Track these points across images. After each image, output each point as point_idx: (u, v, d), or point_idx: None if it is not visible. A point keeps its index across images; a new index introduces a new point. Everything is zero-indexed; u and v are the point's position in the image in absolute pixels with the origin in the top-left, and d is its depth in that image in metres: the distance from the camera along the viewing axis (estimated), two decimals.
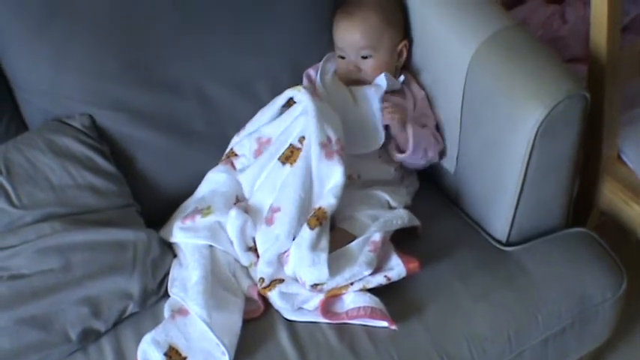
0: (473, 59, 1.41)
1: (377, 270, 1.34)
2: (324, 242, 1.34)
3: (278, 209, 1.40)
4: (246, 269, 1.42)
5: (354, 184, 1.47)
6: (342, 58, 1.58)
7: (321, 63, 1.62)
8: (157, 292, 1.41)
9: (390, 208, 1.46)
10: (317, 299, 1.34)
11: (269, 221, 1.40)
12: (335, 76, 1.60)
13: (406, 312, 1.34)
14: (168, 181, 1.57)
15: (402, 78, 1.58)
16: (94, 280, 1.37)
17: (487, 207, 1.49)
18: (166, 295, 1.40)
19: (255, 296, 1.37)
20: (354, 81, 1.58)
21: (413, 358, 1.31)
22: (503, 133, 1.38)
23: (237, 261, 1.43)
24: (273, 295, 1.35)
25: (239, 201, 1.49)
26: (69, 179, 1.45)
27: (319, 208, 1.37)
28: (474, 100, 1.43)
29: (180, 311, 1.35)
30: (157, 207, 1.54)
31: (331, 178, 1.40)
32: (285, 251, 1.37)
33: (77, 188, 1.44)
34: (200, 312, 1.30)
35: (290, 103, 1.51)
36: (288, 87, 1.58)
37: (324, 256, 1.32)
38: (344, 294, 1.34)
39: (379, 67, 1.57)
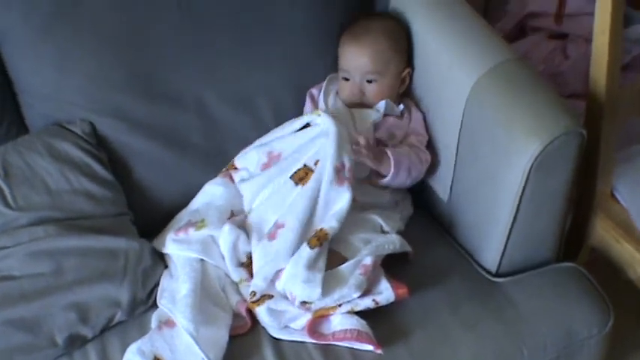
0: (472, 90, 1.42)
1: (366, 293, 1.34)
2: (322, 263, 1.35)
3: (282, 225, 1.41)
4: (236, 285, 1.43)
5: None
6: (346, 80, 1.59)
7: (325, 83, 1.63)
8: (145, 302, 1.41)
9: (383, 232, 1.47)
10: (304, 319, 1.34)
11: (271, 236, 1.40)
12: (337, 98, 1.61)
13: (393, 337, 1.34)
14: (164, 192, 1.58)
15: (401, 107, 1.59)
16: (84, 286, 1.37)
17: (479, 237, 1.50)
18: (155, 306, 1.40)
19: (243, 312, 1.37)
20: (356, 104, 1.59)
21: None
22: (498, 164, 1.38)
23: (227, 276, 1.44)
24: (261, 311, 1.35)
25: (234, 215, 1.50)
26: (66, 184, 1.45)
27: (321, 230, 1.39)
28: (471, 131, 1.44)
29: (168, 323, 1.35)
30: (151, 217, 1.55)
31: (337, 202, 1.42)
32: (282, 269, 1.37)
33: (73, 193, 1.45)
34: (187, 325, 1.30)
35: (305, 125, 1.53)
36: (289, 105, 1.62)
37: (319, 277, 1.32)
38: (331, 315, 1.34)
39: (383, 92, 1.58)
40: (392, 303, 1.35)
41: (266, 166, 1.52)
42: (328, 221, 1.40)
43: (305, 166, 1.46)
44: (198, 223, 1.47)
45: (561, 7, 2.07)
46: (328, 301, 1.32)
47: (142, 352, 1.30)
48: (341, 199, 1.41)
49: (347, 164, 1.43)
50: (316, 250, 1.35)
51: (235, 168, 1.56)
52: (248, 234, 1.44)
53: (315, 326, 1.34)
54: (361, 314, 1.33)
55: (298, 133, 1.52)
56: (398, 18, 1.63)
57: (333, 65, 1.64)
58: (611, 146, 1.56)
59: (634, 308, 1.68)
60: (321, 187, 1.42)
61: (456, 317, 1.38)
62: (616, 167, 1.61)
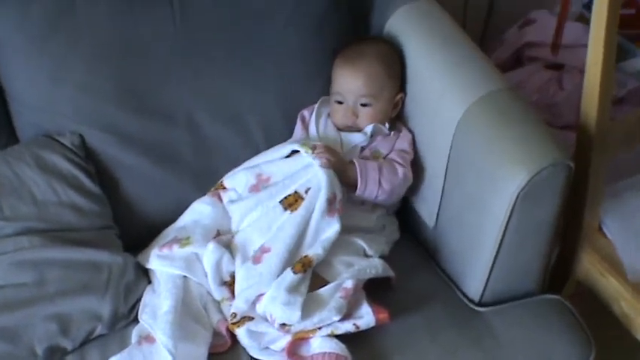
0: (462, 118, 1.42)
1: (346, 317, 1.34)
2: (303, 288, 1.35)
3: (268, 250, 1.41)
4: (217, 303, 1.42)
5: None
6: (340, 103, 1.60)
7: (316, 105, 1.63)
8: (127, 317, 1.41)
9: (366, 256, 1.47)
10: (284, 340, 1.34)
11: (256, 260, 1.41)
12: (329, 121, 1.62)
13: None
14: (150, 207, 1.58)
15: (387, 125, 1.59)
16: (66, 298, 1.37)
17: (463, 265, 1.49)
18: (136, 320, 1.40)
19: (224, 331, 1.37)
20: (348, 127, 1.60)
21: None
22: (484, 193, 1.38)
23: (209, 294, 1.44)
24: (241, 333, 1.35)
25: (220, 235, 1.50)
26: (52, 195, 1.46)
27: (306, 256, 1.39)
28: (459, 158, 1.44)
29: (148, 338, 1.35)
30: (136, 232, 1.55)
31: (326, 231, 1.42)
32: (264, 293, 1.37)
33: (60, 205, 1.45)
34: (166, 342, 1.30)
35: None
36: (280, 125, 1.63)
37: (299, 300, 1.32)
38: (311, 337, 1.33)
39: (376, 116, 1.58)
40: (372, 327, 1.34)
41: (254, 189, 1.52)
42: (314, 248, 1.41)
43: (296, 192, 1.47)
44: (183, 241, 1.47)
45: (558, 37, 2.08)
46: (308, 324, 1.32)
47: None
48: (330, 228, 1.43)
49: (338, 196, 1.44)
50: (299, 275, 1.36)
51: (224, 188, 1.57)
52: (233, 254, 1.44)
53: (294, 348, 1.34)
54: (341, 337, 1.33)
55: (288, 159, 1.52)
56: (392, 43, 1.64)
57: (325, 87, 1.64)
58: (600, 179, 1.56)
59: (619, 342, 1.67)
60: (312, 216, 1.43)
61: (435, 344, 1.37)
62: (604, 201, 1.61)
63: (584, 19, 2.16)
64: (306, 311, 1.32)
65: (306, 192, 1.46)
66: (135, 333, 1.38)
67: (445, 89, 1.49)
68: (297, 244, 1.41)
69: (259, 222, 1.47)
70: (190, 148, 1.59)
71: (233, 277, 1.43)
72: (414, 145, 1.58)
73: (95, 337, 1.39)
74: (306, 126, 1.62)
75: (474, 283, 1.47)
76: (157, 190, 1.58)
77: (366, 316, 1.34)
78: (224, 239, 1.48)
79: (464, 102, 1.43)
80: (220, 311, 1.41)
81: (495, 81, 1.47)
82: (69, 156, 1.50)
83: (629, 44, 2.15)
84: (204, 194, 1.57)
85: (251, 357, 1.36)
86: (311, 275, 1.39)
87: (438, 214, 1.53)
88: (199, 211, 1.54)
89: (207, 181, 1.58)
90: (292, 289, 1.33)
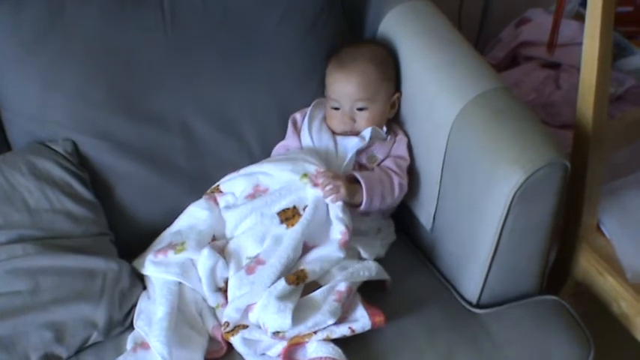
0: (457, 118, 1.41)
1: (342, 320, 1.33)
2: (295, 297, 1.34)
3: (263, 262, 1.40)
4: (213, 309, 1.42)
5: None
6: (336, 109, 1.59)
7: (310, 108, 1.62)
8: (122, 323, 1.41)
9: (360, 259, 1.46)
10: (280, 346, 1.33)
11: (249, 270, 1.40)
12: (323, 124, 1.61)
13: None
14: (145, 214, 1.57)
15: (384, 129, 1.59)
16: (61, 305, 1.37)
17: (460, 267, 1.48)
18: (132, 327, 1.40)
19: (219, 337, 1.36)
20: (346, 132, 1.59)
21: None
22: (480, 194, 1.38)
23: (204, 300, 1.43)
24: (236, 341, 1.34)
25: (215, 239, 1.49)
26: (46, 203, 1.45)
27: (302, 270, 1.38)
28: (455, 159, 1.43)
29: (143, 345, 1.35)
30: (131, 238, 1.54)
31: (329, 254, 1.42)
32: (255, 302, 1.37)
33: (53, 212, 1.45)
34: (161, 349, 1.29)
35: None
36: (274, 128, 1.62)
37: (290, 306, 1.31)
38: (307, 342, 1.32)
39: (373, 118, 1.57)
40: (368, 330, 1.34)
41: (250, 197, 1.51)
42: (313, 265, 1.40)
43: (295, 207, 1.46)
44: (178, 246, 1.47)
45: (554, 36, 2.07)
46: (302, 329, 1.31)
47: None
48: (334, 254, 1.42)
49: (350, 228, 1.44)
50: (292, 287, 1.35)
51: (220, 192, 1.56)
52: (226, 260, 1.44)
53: (290, 353, 1.33)
54: (337, 341, 1.32)
55: (286, 173, 1.50)
56: (385, 44, 1.63)
57: (319, 89, 1.64)
58: (597, 178, 1.55)
59: (618, 342, 1.66)
60: (323, 243, 1.44)
61: (432, 346, 1.36)
62: (602, 199, 1.60)
63: (581, 17, 2.15)
64: (300, 316, 1.31)
65: (304, 209, 1.46)
66: (130, 340, 1.37)
67: (440, 89, 1.48)
68: (292, 258, 1.40)
69: (254, 230, 1.46)
70: (184, 153, 1.58)
71: (227, 283, 1.42)
72: (410, 149, 1.58)
73: (90, 345, 1.38)
74: (297, 131, 1.61)
75: (471, 285, 1.46)
76: (151, 196, 1.57)
77: (362, 320, 1.33)
78: (219, 244, 1.48)
79: (459, 101, 1.42)
80: (215, 317, 1.41)
81: (490, 80, 1.46)
82: (62, 163, 1.49)
83: (627, 42, 2.14)
84: (198, 199, 1.56)
85: None
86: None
87: (434, 216, 1.52)
88: (196, 215, 1.53)
89: (201, 186, 1.57)
90: (283, 298, 1.32)
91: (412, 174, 1.56)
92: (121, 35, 1.53)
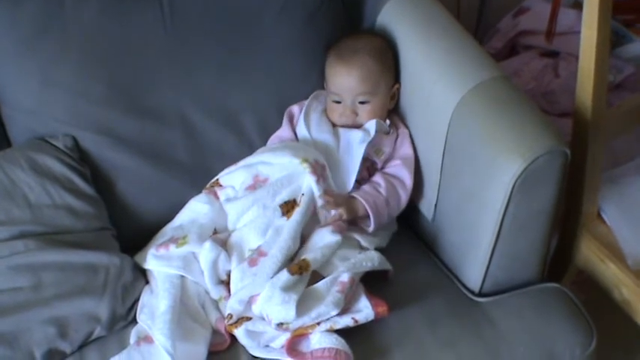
0: (457, 107, 1.41)
1: (345, 311, 1.33)
2: (299, 287, 1.34)
3: (265, 254, 1.40)
4: (215, 302, 1.42)
5: None
6: (337, 102, 1.58)
7: (307, 101, 1.62)
8: (125, 318, 1.41)
9: (362, 248, 1.46)
10: (283, 337, 1.33)
11: (252, 262, 1.40)
12: (323, 117, 1.60)
13: (371, 355, 1.33)
14: (146, 208, 1.57)
15: (387, 122, 1.59)
16: (64, 301, 1.37)
17: (462, 256, 1.48)
18: (135, 321, 1.40)
19: (222, 330, 1.37)
20: (348, 125, 1.58)
21: None
22: (481, 183, 1.38)
23: (207, 293, 1.43)
24: (239, 333, 1.34)
25: (217, 233, 1.50)
26: (47, 198, 1.45)
27: (304, 259, 1.38)
28: (455, 148, 1.43)
29: (147, 338, 1.35)
30: (133, 232, 1.54)
31: (327, 240, 1.42)
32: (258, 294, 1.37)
33: (54, 208, 1.45)
34: (164, 342, 1.29)
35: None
36: (274, 122, 1.62)
37: (294, 297, 1.31)
38: (310, 333, 1.33)
39: (375, 111, 1.57)
40: (371, 320, 1.34)
41: (251, 188, 1.51)
42: (314, 253, 1.40)
43: (294, 200, 1.47)
44: (180, 240, 1.47)
45: (552, 25, 2.07)
46: (306, 320, 1.31)
47: None
48: (332, 237, 1.42)
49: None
50: (296, 277, 1.35)
51: (220, 185, 1.56)
52: (229, 253, 1.44)
53: (294, 345, 1.33)
54: (340, 331, 1.32)
55: (285, 160, 1.50)
56: (384, 34, 1.63)
57: (319, 81, 1.64)
58: (597, 166, 1.55)
59: (620, 329, 1.66)
60: (317, 229, 1.44)
61: (435, 336, 1.36)
62: (602, 187, 1.60)
63: (579, 6, 2.15)
64: (304, 307, 1.31)
65: (300, 198, 1.46)
66: (133, 334, 1.37)
67: (439, 78, 1.48)
68: (293, 248, 1.40)
69: (256, 222, 1.46)
70: (184, 148, 1.58)
71: (230, 275, 1.42)
72: (411, 141, 1.58)
73: (94, 340, 1.38)
74: (293, 125, 1.61)
75: (473, 274, 1.46)
76: (153, 190, 1.57)
77: (365, 310, 1.34)
78: (220, 237, 1.48)
79: (458, 91, 1.42)
80: (218, 310, 1.41)
81: (490, 69, 1.46)
82: (62, 158, 1.49)
83: (625, 30, 2.14)
84: (199, 193, 1.56)
85: (251, 355, 1.35)
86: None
87: (435, 206, 1.52)
88: (197, 210, 1.53)
89: (202, 180, 1.57)
90: (287, 289, 1.32)
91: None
92: (120, 30, 1.53)
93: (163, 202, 1.57)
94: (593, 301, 1.54)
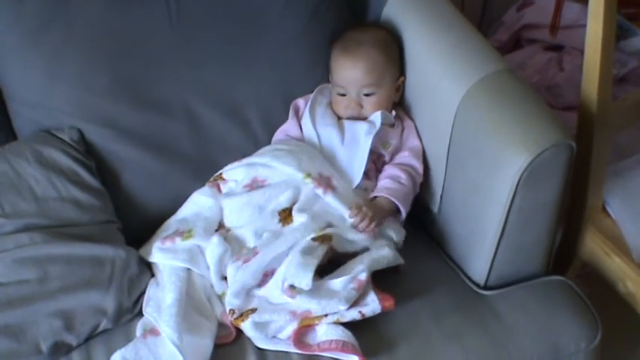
0: (463, 100, 1.41)
1: (352, 304, 1.33)
2: (319, 252, 1.36)
3: (257, 253, 1.41)
4: (220, 296, 1.42)
5: None
6: (342, 95, 1.58)
7: (313, 94, 1.62)
8: (131, 311, 1.41)
9: (394, 242, 1.48)
10: (290, 328, 1.33)
11: (245, 261, 1.40)
12: (328, 110, 1.60)
13: (377, 348, 1.33)
14: (152, 201, 1.57)
15: (393, 113, 1.59)
16: (69, 293, 1.37)
17: (467, 249, 1.49)
18: (141, 314, 1.40)
19: (228, 322, 1.37)
20: (353, 117, 1.58)
21: None
22: (486, 176, 1.38)
23: (212, 286, 1.43)
24: (246, 326, 1.34)
25: (221, 227, 1.50)
26: (53, 191, 1.45)
27: (326, 233, 1.40)
28: (461, 141, 1.43)
29: (153, 331, 1.35)
30: (138, 225, 1.54)
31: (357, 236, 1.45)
32: (252, 287, 1.39)
33: (60, 201, 1.45)
34: (171, 334, 1.30)
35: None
36: (279, 115, 1.62)
37: (314, 262, 1.33)
38: (317, 325, 1.33)
39: (381, 103, 1.57)
40: (378, 314, 1.34)
41: (249, 187, 1.52)
42: (334, 229, 1.42)
43: (290, 208, 1.46)
44: (185, 234, 1.47)
45: (556, 19, 2.07)
46: (314, 305, 1.32)
47: None
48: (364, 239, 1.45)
49: None
50: (317, 243, 1.37)
51: (223, 179, 1.56)
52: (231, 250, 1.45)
53: (300, 336, 1.33)
54: (346, 324, 1.33)
55: (291, 170, 1.49)
56: (389, 27, 1.63)
57: (324, 75, 1.64)
58: (602, 159, 1.56)
59: (625, 322, 1.67)
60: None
61: (440, 329, 1.37)
62: (607, 180, 1.60)
63: None
64: (317, 293, 1.33)
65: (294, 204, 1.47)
66: (139, 326, 1.37)
67: (445, 72, 1.48)
68: (284, 255, 1.40)
69: (254, 225, 1.46)
70: (189, 140, 1.58)
71: None
72: (417, 132, 1.58)
73: (100, 332, 1.39)
74: (298, 118, 1.61)
75: (478, 267, 1.46)
76: (158, 183, 1.57)
77: (372, 304, 1.34)
78: (224, 233, 1.48)
79: (464, 84, 1.42)
80: (223, 303, 1.41)
81: (495, 63, 1.46)
82: (68, 151, 1.49)
83: (629, 24, 2.14)
84: (203, 186, 1.56)
85: (257, 347, 1.35)
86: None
87: (441, 199, 1.52)
88: (201, 203, 1.53)
89: (206, 173, 1.57)
90: (307, 252, 1.34)
91: None
92: (125, 23, 1.53)
93: (168, 195, 1.57)
94: (597, 294, 1.54)
